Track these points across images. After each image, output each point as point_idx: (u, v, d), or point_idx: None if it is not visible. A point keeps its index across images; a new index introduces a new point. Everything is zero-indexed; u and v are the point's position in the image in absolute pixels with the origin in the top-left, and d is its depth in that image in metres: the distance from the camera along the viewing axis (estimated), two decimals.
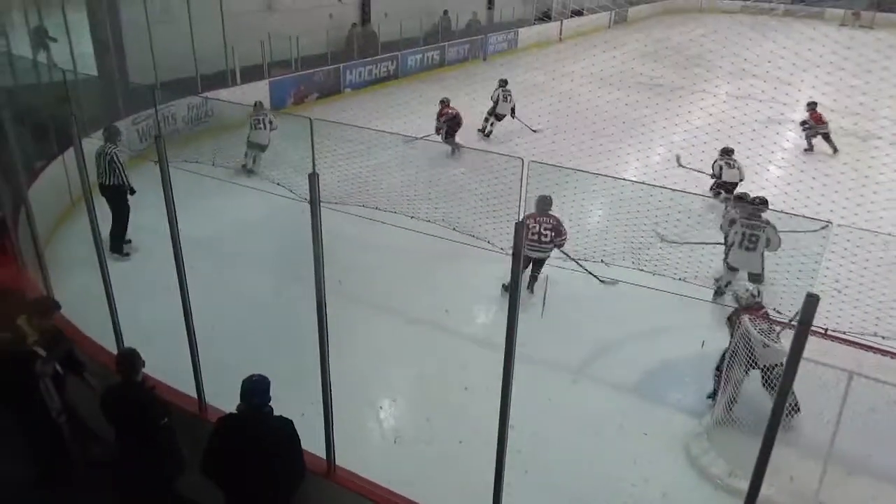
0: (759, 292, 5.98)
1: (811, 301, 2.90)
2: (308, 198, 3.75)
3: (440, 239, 6.64)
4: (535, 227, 7.35)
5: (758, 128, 13.21)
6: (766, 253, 7.27)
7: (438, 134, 12.65)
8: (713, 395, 5.98)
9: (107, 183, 8.08)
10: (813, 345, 4.77)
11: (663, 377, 6.52)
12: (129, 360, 4.26)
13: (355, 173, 8.19)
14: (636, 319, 7.29)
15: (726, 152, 10.66)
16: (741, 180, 10.46)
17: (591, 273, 7.75)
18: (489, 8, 25.69)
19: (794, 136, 14.65)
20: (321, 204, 3.77)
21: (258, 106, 11.77)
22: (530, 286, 7.55)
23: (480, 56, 22.49)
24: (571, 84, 14.92)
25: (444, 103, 12.85)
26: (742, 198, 8.04)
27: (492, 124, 13.89)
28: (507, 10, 25.69)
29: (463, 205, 7.82)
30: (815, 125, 13.66)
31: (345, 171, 8.07)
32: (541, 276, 7.57)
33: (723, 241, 7.72)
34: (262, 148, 11.19)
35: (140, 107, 11.55)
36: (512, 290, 3.34)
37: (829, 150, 13.58)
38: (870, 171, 11.55)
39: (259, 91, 14.32)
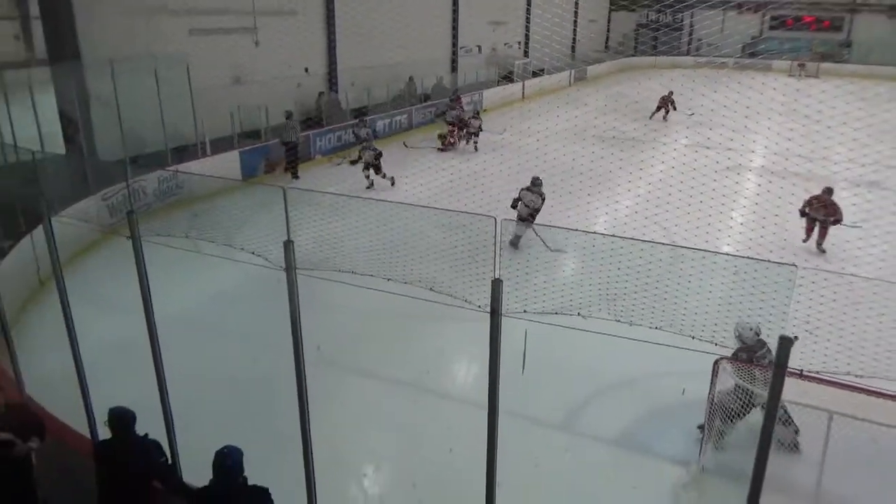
0: (760, 331, 5.89)
1: (785, 343, 2.97)
2: (283, 265, 3.78)
3: (418, 300, 6.65)
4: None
5: (717, 177, 13.68)
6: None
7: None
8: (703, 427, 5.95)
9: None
10: (791, 386, 4.86)
11: (648, 427, 6.51)
12: (123, 419, 4.20)
13: (329, 238, 8.25)
14: (616, 371, 7.33)
15: (534, 183, 10.97)
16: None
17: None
18: (453, 71, 26.52)
19: (752, 184, 15.19)
20: (297, 270, 3.80)
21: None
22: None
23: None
24: (538, 142, 15.33)
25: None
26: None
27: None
28: (471, 74, 26.60)
29: (439, 265, 7.88)
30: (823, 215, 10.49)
31: (318, 236, 8.12)
32: (518, 333, 7.59)
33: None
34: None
35: (109, 182, 11.54)
36: (492, 347, 3.36)
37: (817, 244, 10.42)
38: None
39: (229, 162, 14.43)
